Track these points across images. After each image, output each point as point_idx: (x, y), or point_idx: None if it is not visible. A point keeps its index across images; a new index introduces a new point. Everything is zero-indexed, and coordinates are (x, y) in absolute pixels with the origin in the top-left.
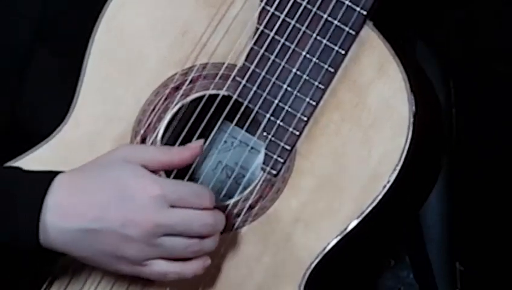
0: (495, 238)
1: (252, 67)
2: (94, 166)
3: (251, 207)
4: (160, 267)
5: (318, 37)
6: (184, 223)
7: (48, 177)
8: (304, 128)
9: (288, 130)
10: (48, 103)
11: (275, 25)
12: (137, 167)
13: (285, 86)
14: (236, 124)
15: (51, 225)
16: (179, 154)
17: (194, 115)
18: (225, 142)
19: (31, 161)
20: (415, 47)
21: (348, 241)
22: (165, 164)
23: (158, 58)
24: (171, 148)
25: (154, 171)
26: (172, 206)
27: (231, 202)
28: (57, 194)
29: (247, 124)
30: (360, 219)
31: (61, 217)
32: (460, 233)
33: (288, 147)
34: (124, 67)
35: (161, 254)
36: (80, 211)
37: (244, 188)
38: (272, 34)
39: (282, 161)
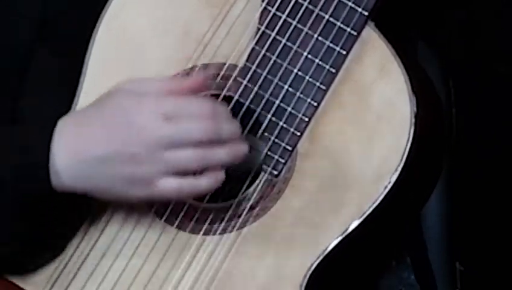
0: (495, 238)
1: (253, 67)
2: (94, 103)
3: (252, 208)
4: (172, 183)
5: (319, 38)
6: (182, 131)
7: (50, 124)
8: (305, 128)
9: (289, 130)
10: (48, 103)
11: (276, 26)
12: (132, 90)
13: (286, 87)
14: None
15: (61, 165)
16: (180, 82)
17: None
18: None
19: None
20: (416, 47)
21: (350, 242)
22: (165, 92)
23: (160, 58)
24: (171, 77)
25: None
26: (171, 120)
27: (232, 202)
28: (62, 135)
29: (248, 124)
30: (361, 219)
31: (70, 154)
32: (460, 233)
33: (289, 148)
34: (125, 67)
35: (170, 169)
36: (85, 143)
37: (246, 189)
38: (273, 34)
39: (283, 161)
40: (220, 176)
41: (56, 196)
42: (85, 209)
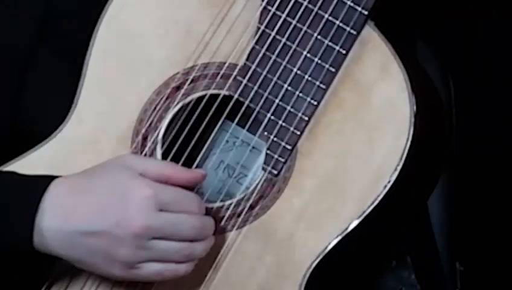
0: (495, 238)
1: (253, 66)
2: (93, 171)
3: (252, 207)
4: (154, 268)
5: (319, 37)
6: (173, 225)
7: (45, 180)
8: (305, 128)
9: (289, 129)
10: (49, 103)
11: (276, 25)
12: (135, 172)
13: (286, 86)
14: (237, 124)
15: (48, 227)
16: (181, 172)
17: (195, 115)
18: (227, 141)
19: (33, 159)
20: (416, 47)
21: (349, 241)
22: (164, 177)
23: (160, 57)
24: (175, 164)
25: None
26: (163, 210)
27: (232, 201)
28: (54, 197)
29: (248, 123)
30: (361, 218)
31: (59, 219)
32: (460, 233)
33: (289, 147)
34: (126, 67)
35: (153, 257)
36: (78, 214)
37: (246, 188)
38: (273, 33)
39: (283, 160)
40: (195, 261)
41: (34, 254)
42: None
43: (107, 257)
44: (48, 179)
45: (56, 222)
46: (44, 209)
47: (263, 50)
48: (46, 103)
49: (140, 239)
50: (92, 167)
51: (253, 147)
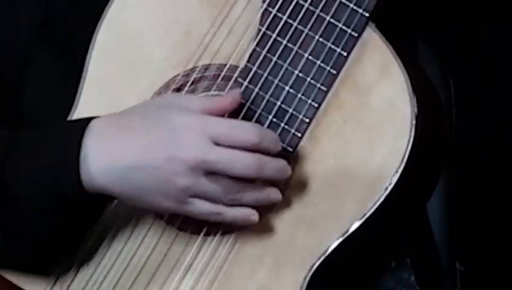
0: (495, 238)
1: (254, 68)
2: (134, 110)
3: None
4: (203, 206)
5: (320, 39)
6: (226, 160)
7: (83, 121)
8: (306, 130)
9: (290, 131)
10: (49, 103)
11: (277, 27)
12: (182, 108)
13: (287, 88)
14: None
15: (95, 167)
16: (221, 99)
17: None
18: None
19: None
20: (417, 48)
21: (350, 243)
22: (208, 110)
23: (160, 58)
24: (212, 97)
25: None
26: (218, 145)
27: None
28: (96, 136)
29: None
30: (362, 220)
31: (105, 158)
32: (460, 233)
33: (290, 149)
34: (126, 68)
35: (203, 194)
36: (127, 151)
37: None
38: (274, 35)
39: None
40: (253, 217)
41: (85, 197)
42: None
43: (159, 192)
44: (87, 120)
45: (102, 161)
46: (88, 149)
47: (264, 52)
48: (46, 102)
49: (193, 173)
50: (132, 107)
51: None
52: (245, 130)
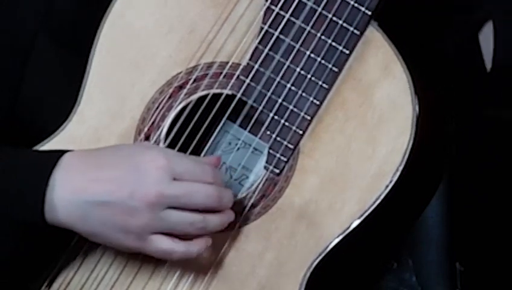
0: (495, 238)
1: (256, 66)
2: (104, 148)
3: (254, 206)
4: (165, 244)
5: (323, 37)
6: (187, 194)
7: (56, 153)
8: (307, 127)
9: (291, 129)
10: (50, 96)
11: (279, 25)
12: (147, 146)
13: (289, 85)
14: (239, 125)
15: (60, 199)
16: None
17: (198, 114)
18: (229, 143)
19: None
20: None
21: (350, 241)
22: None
23: (163, 56)
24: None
25: None
26: (177, 180)
27: (234, 200)
28: (65, 169)
29: (250, 124)
30: (362, 218)
31: (71, 191)
32: (460, 233)
33: (291, 146)
34: (130, 65)
35: (166, 228)
36: (91, 185)
37: (247, 189)
38: (276, 33)
39: (285, 159)
40: (209, 242)
41: (47, 229)
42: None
43: (119, 228)
44: (59, 153)
45: (68, 193)
46: (55, 181)
47: (266, 50)
48: (48, 95)
49: (154, 208)
50: (104, 147)
51: (254, 149)
52: (204, 167)
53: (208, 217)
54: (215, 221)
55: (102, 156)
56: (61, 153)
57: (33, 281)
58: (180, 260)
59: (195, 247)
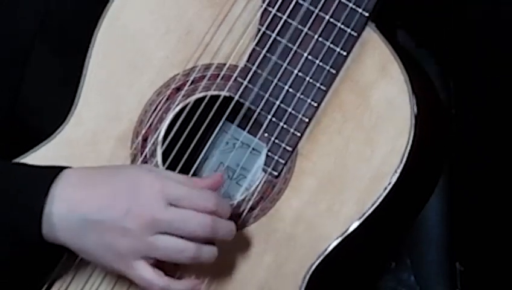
0: (495, 238)
1: (254, 68)
2: (104, 167)
3: (252, 208)
4: (147, 273)
5: (320, 39)
6: (180, 220)
7: (55, 170)
8: (305, 129)
9: (289, 131)
10: (49, 97)
11: (276, 26)
12: (149, 166)
13: (286, 87)
14: (238, 125)
15: (57, 215)
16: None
17: (196, 116)
18: (227, 143)
19: (33, 160)
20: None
21: (349, 243)
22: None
23: (161, 58)
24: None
25: None
26: (175, 206)
27: (233, 203)
28: (64, 185)
29: (248, 125)
30: (361, 220)
31: (68, 207)
32: (460, 233)
33: (289, 148)
34: (127, 67)
35: (155, 254)
36: (88, 202)
37: (245, 190)
38: (273, 35)
39: (283, 162)
40: (198, 287)
41: (42, 244)
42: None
43: (110, 247)
44: (58, 169)
45: (65, 210)
46: (54, 198)
47: (264, 51)
48: (47, 95)
49: (145, 231)
50: (103, 166)
51: (253, 149)
52: (204, 195)
53: (202, 247)
54: (209, 252)
55: (100, 174)
56: (60, 169)
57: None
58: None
59: (177, 286)
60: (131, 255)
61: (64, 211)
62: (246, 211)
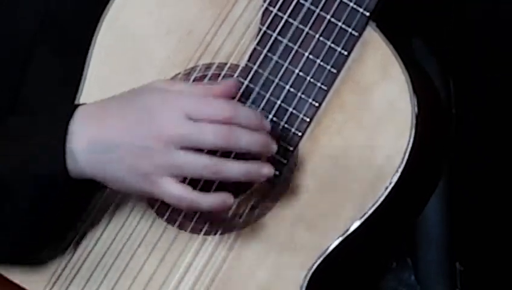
0: (495, 238)
1: (255, 67)
2: (121, 96)
3: (253, 208)
4: (173, 188)
5: (321, 38)
6: (197, 132)
7: (70, 107)
8: (306, 129)
9: (290, 131)
10: (49, 100)
11: (277, 26)
12: (158, 88)
13: (287, 87)
14: None
15: (80, 150)
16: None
17: None
18: None
19: None
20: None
21: (350, 243)
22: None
23: (161, 57)
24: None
25: None
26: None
27: (234, 203)
28: (82, 119)
29: None
30: (362, 220)
31: (87, 140)
32: (460, 233)
33: (290, 148)
34: (127, 67)
35: (179, 170)
36: (107, 130)
37: (246, 190)
38: (274, 34)
39: (284, 162)
40: (229, 201)
41: (69, 182)
42: (88, 206)
43: (132, 170)
44: (74, 106)
45: (86, 143)
46: (73, 134)
47: (265, 51)
48: (46, 96)
49: (167, 147)
50: (115, 95)
51: None
52: (217, 105)
53: (224, 161)
54: (232, 167)
55: (115, 103)
56: (75, 107)
57: (59, 240)
58: (190, 210)
59: (207, 199)
60: (156, 173)
61: (85, 145)
62: (246, 210)
